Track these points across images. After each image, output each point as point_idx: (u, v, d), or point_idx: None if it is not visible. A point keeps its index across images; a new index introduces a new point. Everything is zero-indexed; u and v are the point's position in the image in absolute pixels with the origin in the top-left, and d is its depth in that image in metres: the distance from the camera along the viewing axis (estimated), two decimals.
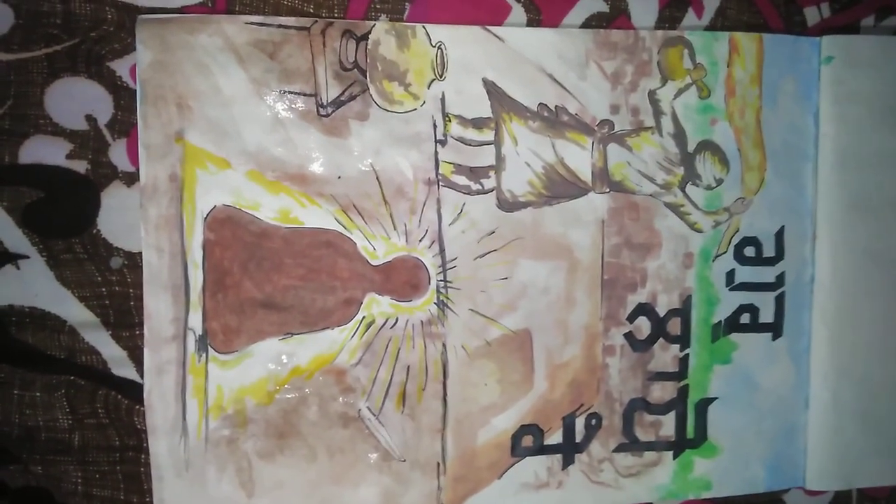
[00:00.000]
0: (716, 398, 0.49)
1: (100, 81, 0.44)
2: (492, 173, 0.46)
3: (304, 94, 0.44)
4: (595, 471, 0.48)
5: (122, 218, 0.44)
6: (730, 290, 0.49)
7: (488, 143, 0.46)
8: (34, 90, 0.43)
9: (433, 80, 0.46)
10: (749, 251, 0.49)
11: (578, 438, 0.48)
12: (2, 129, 0.43)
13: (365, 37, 0.45)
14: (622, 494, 0.49)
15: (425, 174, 0.46)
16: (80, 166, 0.44)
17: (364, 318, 0.46)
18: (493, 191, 0.46)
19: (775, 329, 0.50)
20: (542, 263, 0.47)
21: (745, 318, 0.49)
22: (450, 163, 0.46)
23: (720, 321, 0.49)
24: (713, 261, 0.49)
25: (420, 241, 0.46)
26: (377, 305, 0.46)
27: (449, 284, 0.46)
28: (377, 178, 0.45)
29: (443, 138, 0.46)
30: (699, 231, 0.48)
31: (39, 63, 0.43)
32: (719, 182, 0.48)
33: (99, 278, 0.44)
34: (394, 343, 0.46)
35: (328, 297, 0.45)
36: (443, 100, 0.46)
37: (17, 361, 0.44)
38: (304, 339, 0.45)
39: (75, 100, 0.44)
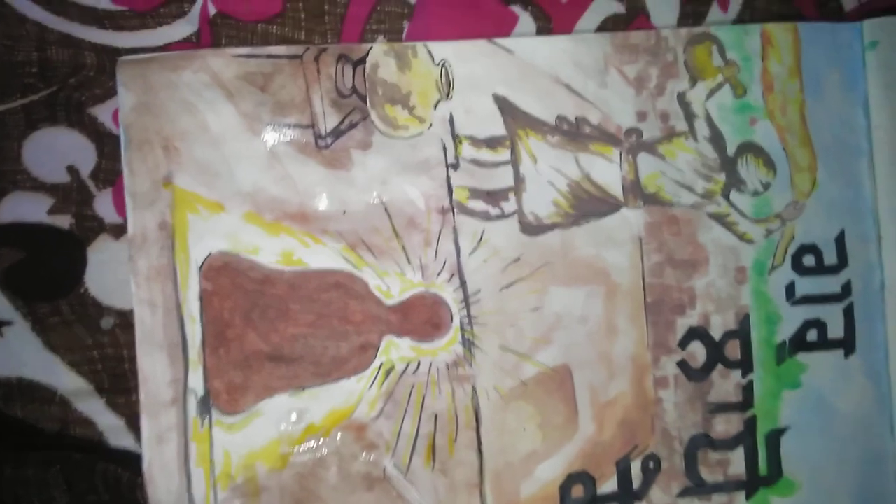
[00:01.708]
0: (788, 428, 0.43)
1: (81, 130, 0.41)
2: (511, 195, 0.42)
3: (301, 126, 0.41)
4: None
5: (111, 274, 0.41)
6: (791, 304, 0.44)
7: (505, 164, 0.42)
8: (11, 144, 0.40)
9: (439, 101, 0.42)
10: (808, 260, 0.44)
11: (636, 484, 0.42)
12: None
13: (362, 60, 0.41)
14: None
15: (438, 202, 0.42)
16: (64, 221, 0.40)
17: (382, 364, 0.41)
18: (514, 214, 0.42)
19: (847, 345, 0.44)
20: (576, 290, 0.42)
21: (811, 336, 0.44)
22: (464, 188, 0.42)
23: (784, 341, 0.44)
24: (769, 274, 0.44)
25: (438, 275, 0.41)
26: (396, 349, 0.41)
27: (474, 320, 0.41)
28: (386, 210, 0.41)
29: (454, 162, 0.42)
30: (750, 242, 0.44)
31: (16, 115, 0.40)
32: (766, 186, 0.44)
33: (90, 341, 0.40)
34: (417, 390, 0.41)
35: (341, 344, 0.41)
36: (451, 121, 0.42)
37: (8, 438, 0.40)
38: (317, 392, 0.40)
39: (55, 151, 0.41)
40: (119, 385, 0.41)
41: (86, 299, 0.41)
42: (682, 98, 0.43)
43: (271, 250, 0.41)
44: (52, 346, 0.40)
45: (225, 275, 0.40)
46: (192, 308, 0.40)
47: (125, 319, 0.40)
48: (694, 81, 0.43)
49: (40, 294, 0.40)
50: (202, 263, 0.40)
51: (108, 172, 0.41)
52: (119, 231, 0.41)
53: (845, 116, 0.45)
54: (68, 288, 0.40)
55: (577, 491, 0.42)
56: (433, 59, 0.42)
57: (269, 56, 0.41)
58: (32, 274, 0.40)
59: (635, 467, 0.43)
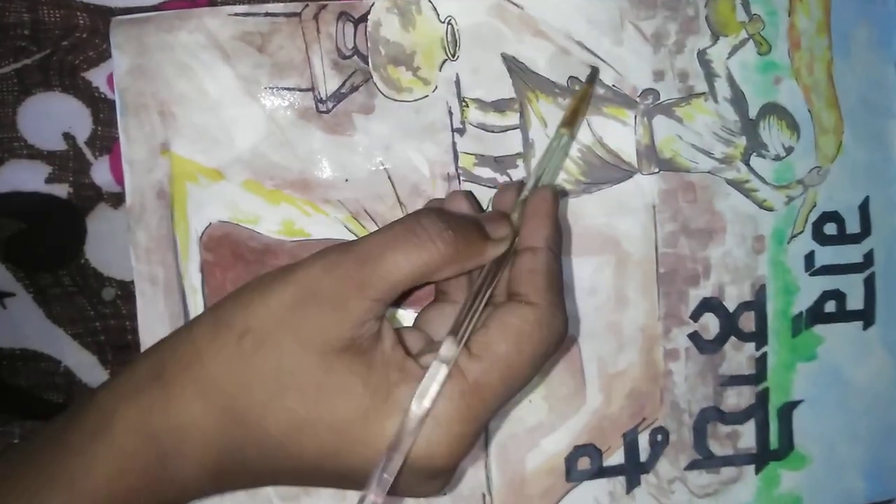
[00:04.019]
0: (801, 401, 0.43)
1: (76, 94, 0.39)
2: (520, 162, 0.40)
3: (300, 90, 0.39)
4: (665, 493, 0.42)
5: (110, 244, 0.40)
6: (810, 275, 0.42)
7: (513, 128, 0.40)
8: (6, 111, 0.39)
9: (445, 61, 0.40)
10: (830, 228, 0.42)
11: (643, 457, 0.42)
12: None
13: (363, 18, 0.39)
14: None
15: (443, 169, 0.40)
16: (62, 190, 0.40)
17: None
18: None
19: (866, 317, 0.43)
20: (585, 260, 0.41)
21: (830, 307, 0.42)
22: (471, 154, 0.40)
23: (801, 312, 0.42)
24: (788, 243, 0.42)
25: None
26: (400, 322, 0.40)
27: None
28: (389, 177, 0.40)
29: (461, 126, 0.40)
30: (769, 209, 0.42)
31: (9, 80, 0.39)
32: (789, 150, 0.42)
33: (91, 312, 0.40)
34: None
35: None
36: (457, 82, 0.40)
37: (14, 408, 0.40)
38: None
39: (51, 117, 0.40)
40: (122, 356, 0.40)
41: (86, 270, 0.40)
42: (702, 56, 0.41)
43: (272, 220, 0.40)
44: (54, 317, 0.40)
45: (225, 245, 0.40)
46: (194, 279, 0.39)
47: (127, 290, 0.40)
48: (716, 38, 0.41)
49: (41, 265, 0.40)
50: (202, 234, 0.39)
51: (105, 139, 0.40)
52: (117, 200, 0.40)
53: (875, 75, 0.42)
54: (69, 258, 0.40)
55: (584, 463, 0.42)
56: (438, 16, 0.40)
57: (267, 14, 0.39)
58: (32, 244, 0.40)
59: (643, 440, 0.42)
